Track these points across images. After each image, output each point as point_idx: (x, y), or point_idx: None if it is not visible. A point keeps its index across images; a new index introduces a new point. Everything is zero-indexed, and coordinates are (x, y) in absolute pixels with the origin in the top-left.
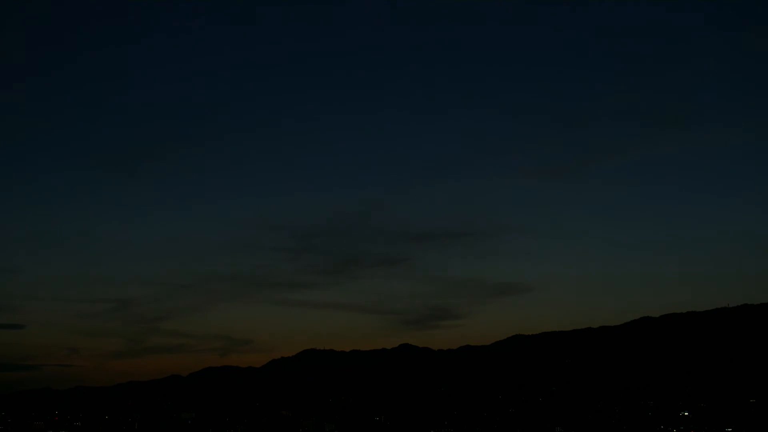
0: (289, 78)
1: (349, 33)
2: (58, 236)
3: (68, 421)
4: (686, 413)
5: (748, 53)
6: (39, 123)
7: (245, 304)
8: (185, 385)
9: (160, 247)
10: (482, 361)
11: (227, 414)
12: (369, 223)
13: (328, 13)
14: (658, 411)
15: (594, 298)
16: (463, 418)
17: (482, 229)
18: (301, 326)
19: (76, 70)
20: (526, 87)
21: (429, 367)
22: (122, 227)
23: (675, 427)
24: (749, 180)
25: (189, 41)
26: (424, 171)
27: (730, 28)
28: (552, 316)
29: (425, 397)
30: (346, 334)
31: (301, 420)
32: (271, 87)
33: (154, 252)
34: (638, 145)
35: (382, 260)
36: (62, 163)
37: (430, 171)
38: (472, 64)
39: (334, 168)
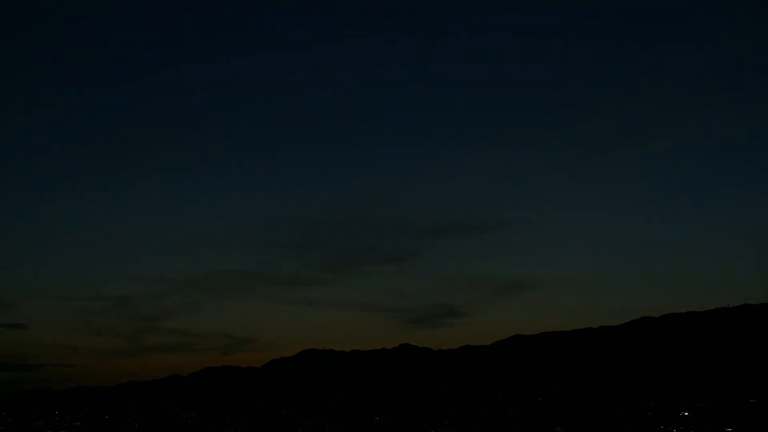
0: (294, 68)
1: (354, 22)
2: (57, 232)
3: (68, 421)
4: (686, 413)
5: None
6: (39, 120)
7: (247, 301)
8: (185, 385)
9: (160, 243)
10: (482, 361)
11: (227, 414)
12: (375, 218)
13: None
14: (658, 411)
15: (594, 298)
16: (463, 418)
17: (492, 222)
18: (305, 325)
19: (75, 62)
20: (535, 76)
21: (429, 367)
22: (123, 222)
23: (675, 427)
24: (750, 179)
25: (195, 30)
26: (431, 163)
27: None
28: (553, 316)
29: (425, 397)
30: (350, 332)
31: (301, 420)
32: (276, 79)
33: (155, 248)
34: (638, 142)
35: (389, 256)
36: (61, 160)
37: (437, 163)
38: (481, 53)
39: (340, 160)
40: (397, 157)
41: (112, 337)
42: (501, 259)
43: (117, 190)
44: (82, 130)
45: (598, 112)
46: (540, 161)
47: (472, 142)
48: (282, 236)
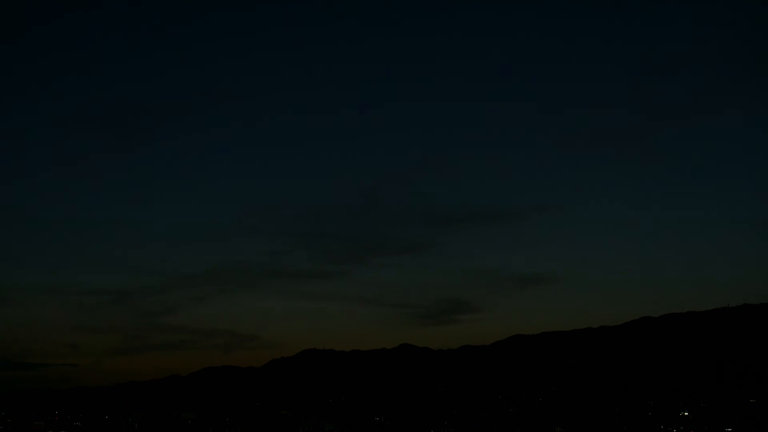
0: (301, 53)
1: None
2: (56, 228)
3: (68, 421)
4: (686, 413)
5: None
6: (37, 117)
7: (252, 296)
8: (185, 385)
9: (161, 235)
10: (482, 361)
11: (227, 414)
12: (390, 205)
13: None
14: (658, 411)
15: (594, 298)
16: (463, 418)
17: (510, 210)
18: (311, 322)
19: (69, 41)
20: (549, 68)
21: (429, 367)
22: (122, 214)
23: (675, 427)
24: (750, 179)
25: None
26: (449, 147)
27: None
28: (553, 316)
29: (425, 397)
30: (355, 329)
31: (301, 420)
32: (282, 63)
33: (156, 240)
34: (635, 143)
35: (404, 246)
36: (60, 155)
37: (456, 147)
38: (499, 31)
39: (352, 144)
40: (417, 139)
41: (111, 334)
42: (503, 255)
43: (117, 183)
44: (80, 125)
45: (608, 110)
46: (543, 159)
47: (492, 127)
48: (290, 225)
